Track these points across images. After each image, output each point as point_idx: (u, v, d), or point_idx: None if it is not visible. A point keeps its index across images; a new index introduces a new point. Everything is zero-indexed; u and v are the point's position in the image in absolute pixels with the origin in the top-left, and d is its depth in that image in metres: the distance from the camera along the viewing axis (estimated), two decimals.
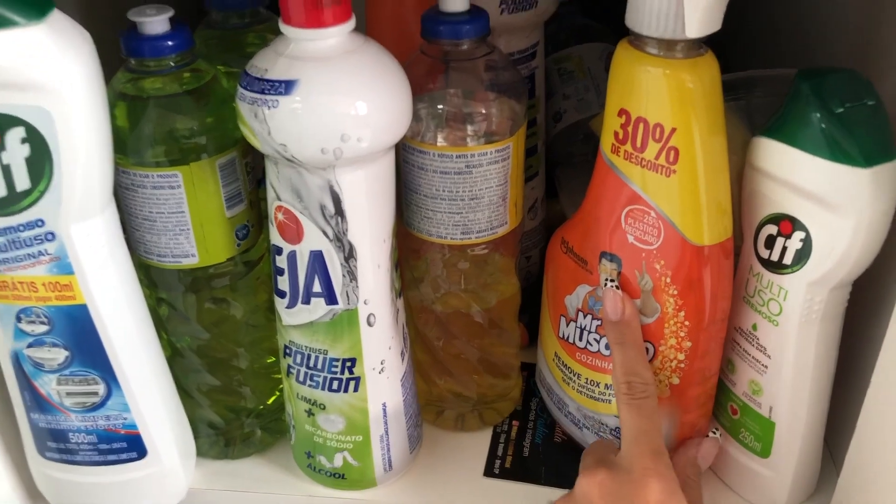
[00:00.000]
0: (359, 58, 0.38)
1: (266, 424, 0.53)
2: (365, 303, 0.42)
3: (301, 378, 0.45)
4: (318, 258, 0.40)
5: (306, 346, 0.44)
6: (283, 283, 0.43)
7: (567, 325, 0.49)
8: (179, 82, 0.42)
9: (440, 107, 0.44)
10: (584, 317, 0.48)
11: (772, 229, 0.42)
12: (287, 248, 0.41)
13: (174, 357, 0.48)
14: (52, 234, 0.39)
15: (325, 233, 0.40)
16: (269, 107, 0.37)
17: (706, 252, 0.42)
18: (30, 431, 0.46)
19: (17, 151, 0.37)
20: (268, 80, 0.37)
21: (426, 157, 0.45)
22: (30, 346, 0.42)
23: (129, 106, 0.42)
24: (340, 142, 0.37)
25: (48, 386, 0.44)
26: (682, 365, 0.45)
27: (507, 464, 0.52)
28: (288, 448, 0.53)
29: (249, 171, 0.45)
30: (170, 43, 0.42)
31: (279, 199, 0.40)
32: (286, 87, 0.37)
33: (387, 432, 0.47)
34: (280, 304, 0.44)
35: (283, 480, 0.51)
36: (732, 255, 0.43)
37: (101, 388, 0.44)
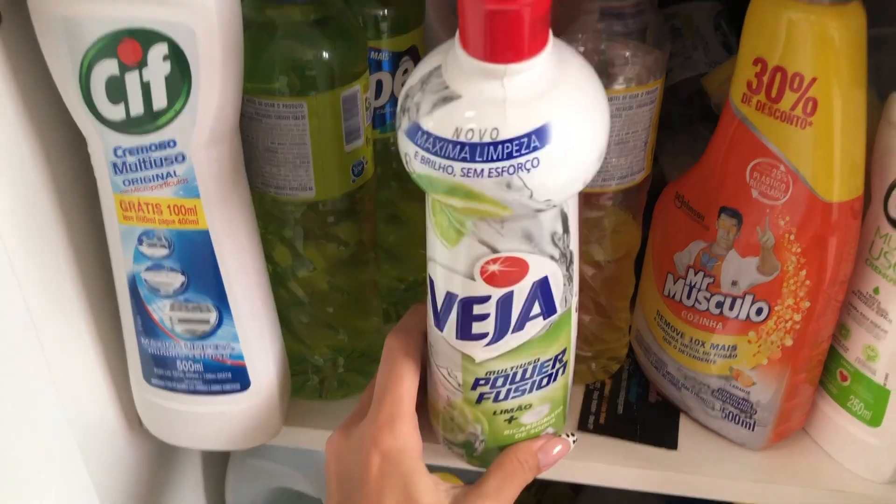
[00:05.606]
0: (567, 65, 0.33)
1: (361, 367, 0.53)
2: (574, 295, 0.39)
3: (502, 396, 0.41)
4: (542, 284, 0.36)
5: (511, 367, 0.39)
6: (485, 326, 0.38)
7: (674, 283, 0.49)
8: (306, 12, 0.42)
9: (592, 49, 0.43)
10: (696, 274, 0.47)
11: None
12: (498, 293, 0.36)
13: (277, 290, 0.48)
14: (182, 155, 0.39)
15: (552, 257, 0.36)
16: (527, 169, 0.31)
17: (835, 209, 0.41)
18: (138, 357, 0.47)
19: (157, 69, 0.37)
20: (510, 140, 0.30)
21: None
22: (148, 269, 0.43)
23: (257, 33, 0.42)
24: (597, 164, 0.34)
25: (161, 311, 0.44)
26: (798, 326, 0.44)
27: (601, 419, 0.52)
28: None
29: (368, 106, 0.45)
30: None
31: (496, 251, 0.35)
32: (539, 137, 0.31)
33: (570, 388, 0.44)
34: (474, 345, 0.39)
35: None
36: (861, 215, 0.42)
37: (212, 317, 0.44)
